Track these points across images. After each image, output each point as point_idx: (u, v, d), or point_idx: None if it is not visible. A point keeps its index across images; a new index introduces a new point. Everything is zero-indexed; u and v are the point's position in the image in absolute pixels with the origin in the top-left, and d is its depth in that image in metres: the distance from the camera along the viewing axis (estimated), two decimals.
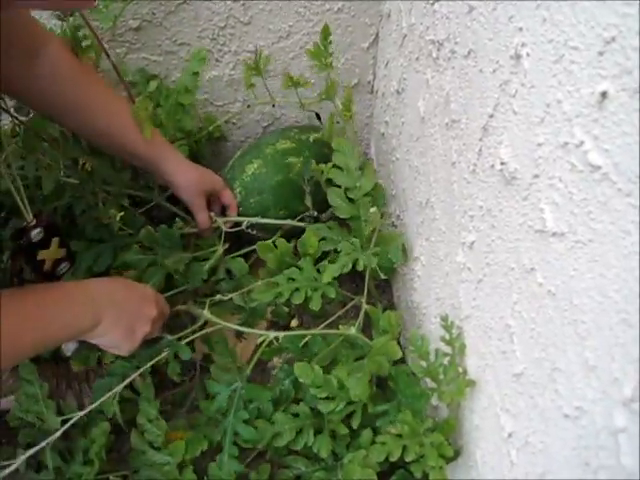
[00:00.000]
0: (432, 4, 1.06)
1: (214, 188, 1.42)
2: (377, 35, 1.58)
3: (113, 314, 1.08)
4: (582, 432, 0.63)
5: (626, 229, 0.52)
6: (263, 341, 1.16)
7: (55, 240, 1.18)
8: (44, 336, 0.96)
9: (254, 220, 1.43)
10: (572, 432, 0.65)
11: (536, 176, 0.69)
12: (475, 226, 0.92)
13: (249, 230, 1.46)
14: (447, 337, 1.01)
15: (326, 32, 1.27)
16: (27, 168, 1.28)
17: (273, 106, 1.59)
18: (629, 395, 0.53)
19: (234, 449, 1.19)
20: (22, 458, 1.12)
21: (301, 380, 1.09)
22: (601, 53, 0.54)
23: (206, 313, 1.25)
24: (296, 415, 1.18)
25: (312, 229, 1.31)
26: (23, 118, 1.40)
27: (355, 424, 1.09)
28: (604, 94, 0.54)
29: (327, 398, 1.10)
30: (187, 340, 1.26)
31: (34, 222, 1.15)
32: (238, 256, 1.45)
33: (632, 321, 0.52)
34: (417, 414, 1.03)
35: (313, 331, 1.21)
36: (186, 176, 1.33)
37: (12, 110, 1.39)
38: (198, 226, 1.41)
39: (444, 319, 1.03)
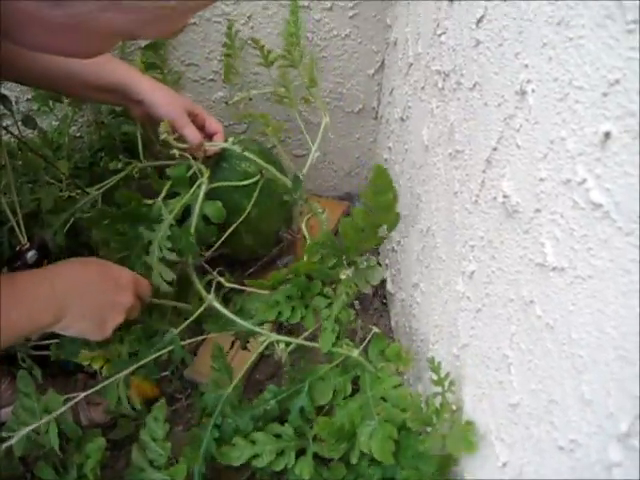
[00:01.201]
0: (439, 35, 1.07)
1: (193, 110, 1.34)
2: (383, 62, 1.61)
3: (79, 307, 1.04)
4: (576, 465, 0.63)
5: (626, 267, 0.53)
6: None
7: (45, 263, 1.16)
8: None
9: (237, 148, 1.33)
10: (566, 464, 0.65)
11: (538, 210, 0.70)
12: (475, 256, 0.93)
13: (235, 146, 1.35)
14: (435, 378, 1.02)
15: (294, 6, 1.35)
16: (23, 192, 1.28)
17: (250, 99, 1.59)
18: (625, 430, 0.54)
19: (203, 468, 1.15)
20: None
21: (320, 433, 1.08)
22: (605, 94, 0.55)
23: (211, 298, 1.23)
24: (278, 436, 1.16)
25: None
26: (29, 131, 1.42)
27: (354, 459, 1.08)
28: (607, 134, 0.55)
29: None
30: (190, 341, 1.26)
31: (28, 245, 1.14)
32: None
33: (629, 358, 0.53)
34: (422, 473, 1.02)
35: (316, 344, 1.19)
36: (162, 93, 1.27)
37: (20, 123, 1.41)
38: (189, 143, 1.30)
39: (431, 361, 1.03)
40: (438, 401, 1.01)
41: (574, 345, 0.63)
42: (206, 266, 1.31)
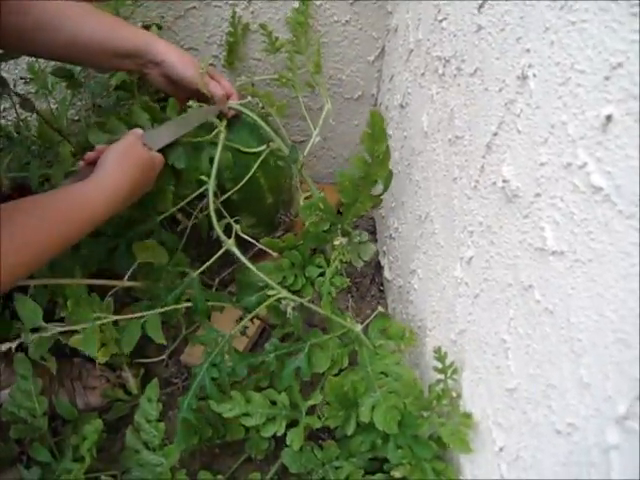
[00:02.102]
0: (440, 21, 1.07)
1: (208, 72, 1.32)
2: (383, 49, 1.60)
3: (124, 204, 1.10)
4: (574, 448, 0.64)
5: (626, 250, 0.53)
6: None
7: None
8: (59, 237, 0.97)
9: (254, 115, 1.35)
10: (564, 448, 0.66)
11: (538, 195, 0.70)
12: (474, 241, 0.93)
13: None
14: (440, 366, 1.03)
15: None
16: (32, 168, 1.28)
17: (252, 85, 1.59)
18: (623, 413, 0.54)
19: (194, 401, 1.14)
20: None
21: (328, 397, 1.09)
22: (607, 78, 0.55)
23: (231, 242, 1.20)
24: (274, 403, 1.18)
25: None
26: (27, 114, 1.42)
27: (350, 431, 1.09)
28: (609, 118, 0.55)
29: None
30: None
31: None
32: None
33: (628, 341, 0.53)
34: (418, 459, 1.02)
35: (322, 311, 1.19)
36: (180, 53, 1.27)
37: (17, 106, 1.40)
38: (214, 96, 1.31)
39: (437, 351, 1.04)
40: (439, 387, 1.02)
41: (573, 329, 0.63)
42: (223, 210, 1.29)
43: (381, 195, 1.20)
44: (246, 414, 1.14)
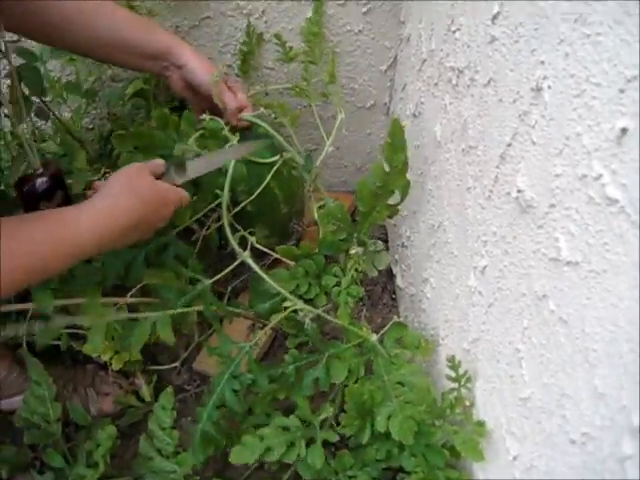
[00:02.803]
0: (453, 32, 1.08)
1: (227, 82, 1.33)
2: (395, 58, 1.61)
3: (121, 239, 1.05)
4: (588, 458, 0.64)
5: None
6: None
7: (60, 194, 1.13)
8: (40, 260, 0.91)
9: (267, 125, 1.34)
10: (578, 458, 0.66)
11: (552, 206, 0.71)
12: (488, 251, 0.94)
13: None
14: (453, 375, 1.03)
15: (318, 5, 1.40)
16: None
17: (266, 94, 1.61)
18: (638, 423, 0.54)
19: (214, 413, 1.13)
20: None
21: (347, 405, 1.09)
22: (622, 90, 0.55)
23: (246, 255, 1.19)
24: (286, 429, 1.16)
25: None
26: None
27: (364, 439, 1.09)
28: (624, 130, 0.55)
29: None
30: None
31: (40, 170, 1.11)
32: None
33: None
34: (430, 467, 1.03)
35: (338, 320, 1.19)
36: (203, 60, 1.27)
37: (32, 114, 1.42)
38: (227, 108, 1.30)
39: (451, 360, 1.04)
40: (452, 396, 1.02)
41: (587, 339, 0.63)
42: (235, 223, 1.29)
43: (398, 205, 1.20)
44: (268, 449, 1.11)
